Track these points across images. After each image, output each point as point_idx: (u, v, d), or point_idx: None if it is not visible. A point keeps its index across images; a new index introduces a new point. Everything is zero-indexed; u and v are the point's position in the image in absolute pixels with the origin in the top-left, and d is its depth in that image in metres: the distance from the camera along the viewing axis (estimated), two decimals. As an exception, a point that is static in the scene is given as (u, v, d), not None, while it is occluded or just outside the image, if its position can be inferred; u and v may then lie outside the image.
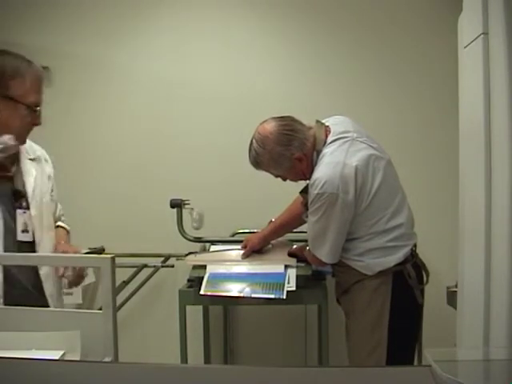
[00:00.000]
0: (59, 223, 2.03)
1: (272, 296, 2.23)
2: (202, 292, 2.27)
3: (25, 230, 1.79)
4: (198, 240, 2.77)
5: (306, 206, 2.13)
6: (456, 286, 1.91)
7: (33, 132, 2.22)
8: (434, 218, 2.89)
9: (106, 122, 3.17)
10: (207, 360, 3.04)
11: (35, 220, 1.81)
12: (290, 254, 2.42)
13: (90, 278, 2.59)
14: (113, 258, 1.60)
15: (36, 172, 1.89)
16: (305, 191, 2.14)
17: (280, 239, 2.53)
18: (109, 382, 1.14)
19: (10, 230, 1.77)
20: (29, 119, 1.81)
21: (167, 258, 3.01)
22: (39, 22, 3.16)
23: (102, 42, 3.17)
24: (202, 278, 2.32)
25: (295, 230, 2.47)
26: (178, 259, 2.88)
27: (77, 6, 3.16)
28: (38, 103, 1.83)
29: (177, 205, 2.71)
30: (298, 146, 2.09)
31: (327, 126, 2.13)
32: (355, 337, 2.12)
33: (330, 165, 2.01)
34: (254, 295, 2.25)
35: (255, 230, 2.56)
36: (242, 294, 2.26)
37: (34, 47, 3.16)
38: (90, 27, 3.15)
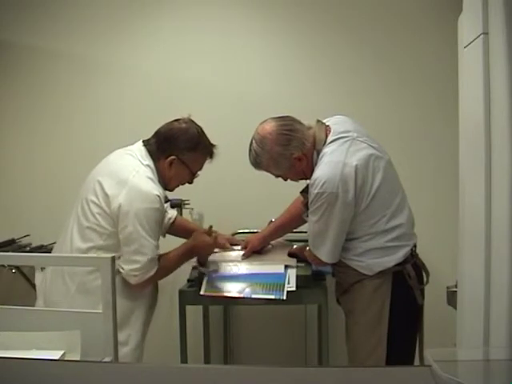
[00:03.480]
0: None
1: (272, 296, 2.22)
2: (201, 292, 2.27)
3: None
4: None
5: (306, 205, 2.13)
6: (456, 286, 1.91)
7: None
8: (434, 218, 2.89)
9: (103, 122, 3.17)
10: (207, 360, 3.04)
11: None
12: (290, 254, 2.41)
13: None
14: (113, 258, 1.61)
15: None
16: (305, 191, 2.14)
17: (280, 239, 2.53)
18: (109, 382, 1.14)
19: None
20: (186, 181, 2.24)
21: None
22: (36, 22, 3.16)
23: (100, 40, 3.16)
24: (202, 278, 2.32)
25: (295, 230, 2.47)
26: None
27: (73, 4, 3.16)
28: (199, 171, 2.23)
29: (177, 205, 2.71)
30: (297, 145, 2.09)
31: (327, 126, 2.13)
32: (355, 337, 2.12)
33: (330, 164, 2.01)
34: (254, 296, 2.24)
35: (255, 230, 2.56)
36: (242, 295, 2.25)
37: (30, 46, 3.19)
38: (88, 26, 3.14)
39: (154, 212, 2.08)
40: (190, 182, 2.26)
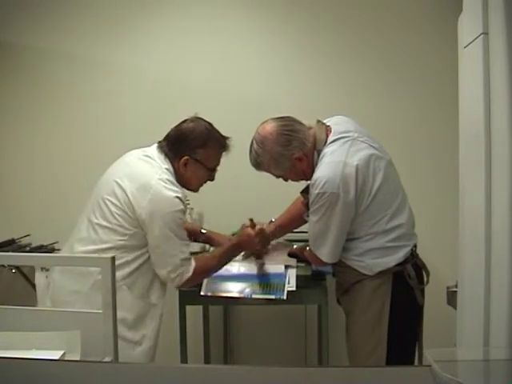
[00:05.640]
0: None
1: (272, 297, 2.22)
2: (202, 293, 2.27)
3: None
4: (197, 240, 2.76)
5: (306, 205, 2.13)
6: (456, 286, 1.91)
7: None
8: (435, 218, 2.89)
9: (103, 122, 3.17)
10: (207, 360, 3.04)
11: None
12: (291, 255, 2.41)
13: None
14: (113, 258, 1.60)
15: None
16: (305, 191, 2.14)
17: (280, 239, 2.53)
18: (109, 381, 1.14)
19: None
20: (206, 178, 2.22)
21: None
22: (36, 22, 3.16)
23: (100, 40, 3.17)
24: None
25: (295, 230, 2.47)
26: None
27: (74, 4, 3.15)
28: (217, 166, 2.23)
29: (177, 205, 2.70)
30: (298, 146, 2.09)
31: (328, 126, 2.13)
32: (355, 337, 2.12)
33: (330, 164, 2.01)
34: (254, 296, 2.25)
35: (255, 230, 2.55)
36: (242, 295, 2.26)
37: (30, 46, 3.19)
38: (88, 26, 3.14)
39: (179, 213, 2.08)
40: (212, 179, 2.24)
